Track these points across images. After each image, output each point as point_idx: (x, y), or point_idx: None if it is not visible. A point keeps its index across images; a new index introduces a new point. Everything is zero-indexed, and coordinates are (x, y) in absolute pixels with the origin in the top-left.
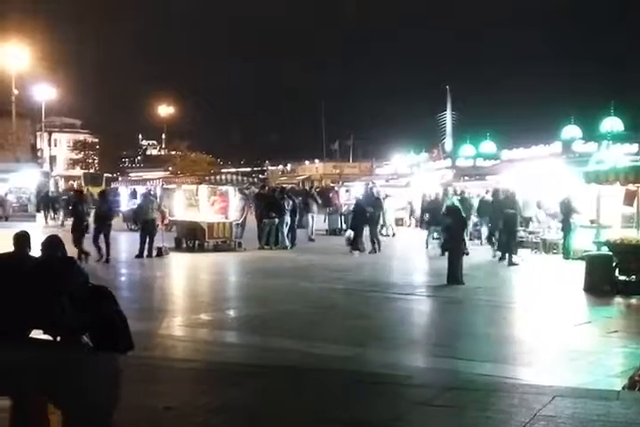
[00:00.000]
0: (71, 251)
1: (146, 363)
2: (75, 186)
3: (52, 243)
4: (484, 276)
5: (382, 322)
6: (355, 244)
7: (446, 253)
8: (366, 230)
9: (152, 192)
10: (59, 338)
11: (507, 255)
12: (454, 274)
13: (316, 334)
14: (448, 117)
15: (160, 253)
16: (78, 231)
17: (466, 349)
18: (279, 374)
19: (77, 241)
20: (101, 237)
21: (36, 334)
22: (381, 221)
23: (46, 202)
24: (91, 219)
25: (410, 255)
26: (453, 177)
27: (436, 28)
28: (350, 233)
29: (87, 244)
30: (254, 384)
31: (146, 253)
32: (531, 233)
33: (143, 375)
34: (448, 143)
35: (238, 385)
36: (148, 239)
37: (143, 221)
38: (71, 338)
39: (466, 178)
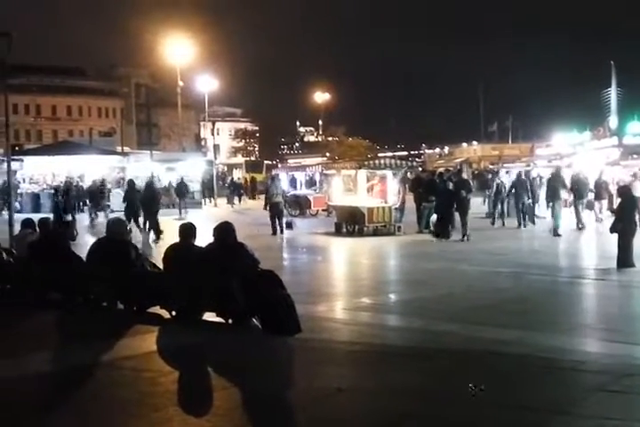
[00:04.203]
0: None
1: (313, 346)
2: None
3: (224, 229)
4: None
5: (547, 306)
6: (439, 229)
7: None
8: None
9: (278, 177)
10: (230, 320)
11: None
12: (625, 257)
13: (478, 318)
14: (613, 94)
15: (288, 226)
16: (128, 216)
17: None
18: (443, 357)
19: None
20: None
21: (209, 316)
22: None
23: (233, 188)
24: None
25: (572, 237)
26: (620, 156)
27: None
28: (434, 217)
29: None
30: (420, 367)
31: (278, 229)
32: None
33: (312, 357)
34: (613, 121)
35: (404, 368)
36: (277, 220)
37: (270, 204)
38: (242, 321)
39: (634, 156)
